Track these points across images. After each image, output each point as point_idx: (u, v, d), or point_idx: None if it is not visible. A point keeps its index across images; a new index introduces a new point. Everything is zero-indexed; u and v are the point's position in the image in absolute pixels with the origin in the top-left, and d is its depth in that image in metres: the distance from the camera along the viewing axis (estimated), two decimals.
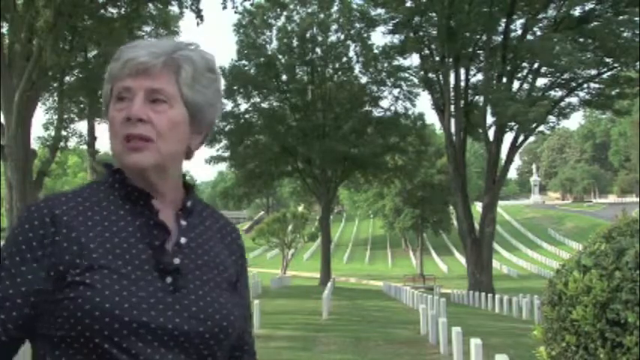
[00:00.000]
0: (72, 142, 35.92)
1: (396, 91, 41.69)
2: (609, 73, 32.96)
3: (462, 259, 53.84)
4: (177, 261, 1.07)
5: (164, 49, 1.08)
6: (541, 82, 34.84)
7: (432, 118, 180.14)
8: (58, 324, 0.99)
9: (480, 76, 34.97)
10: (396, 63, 40.19)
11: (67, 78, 32.94)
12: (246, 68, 42.13)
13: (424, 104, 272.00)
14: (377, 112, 42.96)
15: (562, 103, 35.25)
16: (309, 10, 41.98)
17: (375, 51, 40.67)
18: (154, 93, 1.06)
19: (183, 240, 1.10)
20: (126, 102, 1.06)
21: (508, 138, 34.59)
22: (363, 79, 42.74)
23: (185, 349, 1.03)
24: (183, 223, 1.12)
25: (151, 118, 1.05)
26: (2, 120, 20.90)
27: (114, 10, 25.01)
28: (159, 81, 1.07)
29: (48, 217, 1.03)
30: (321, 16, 41.83)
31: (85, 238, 1.02)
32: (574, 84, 33.93)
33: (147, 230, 1.06)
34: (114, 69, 1.09)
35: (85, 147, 37.37)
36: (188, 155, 1.15)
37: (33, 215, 1.03)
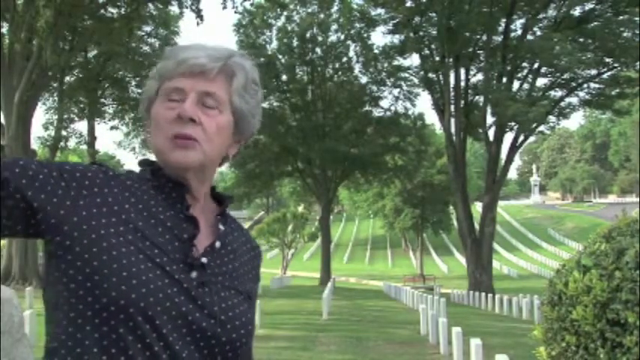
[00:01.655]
0: (72, 142, 35.96)
1: (396, 91, 41.76)
2: (609, 73, 32.98)
3: (462, 259, 53.85)
4: (204, 260, 1.06)
5: (222, 53, 1.09)
6: (541, 82, 34.93)
7: (432, 118, 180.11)
8: (79, 295, 0.96)
9: (480, 76, 35.01)
10: (396, 63, 40.20)
11: (67, 78, 32.95)
12: None
13: (424, 104, 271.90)
14: (377, 112, 43.00)
15: (562, 103, 35.27)
16: (309, 10, 41.98)
17: (375, 51, 40.67)
18: (206, 96, 1.07)
19: (218, 244, 1.10)
20: (176, 101, 1.07)
21: (508, 138, 34.72)
22: (363, 79, 42.79)
23: (199, 348, 1.01)
24: (222, 227, 1.13)
25: (201, 120, 1.06)
26: (2, 120, 20.90)
27: (114, 10, 25.02)
28: (214, 85, 1.08)
29: (107, 171, 1.05)
30: (321, 16, 41.83)
31: (118, 207, 1.01)
32: (574, 84, 33.95)
33: (177, 222, 1.06)
34: (165, 67, 1.09)
35: (85, 147, 37.40)
36: (222, 162, 1.17)
37: (95, 164, 1.07)
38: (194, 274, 1.03)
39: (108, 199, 1.01)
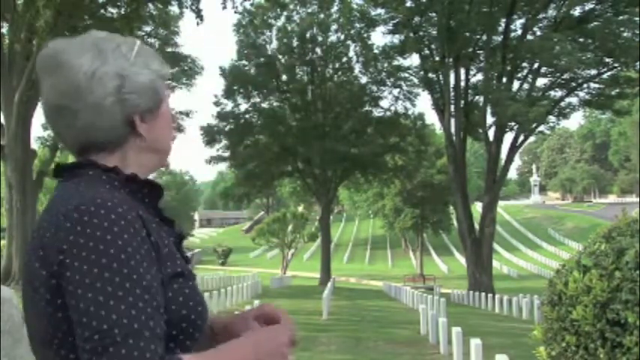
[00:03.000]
0: None
1: (396, 91, 41.72)
2: (609, 73, 32.97)
3: (462, 259, 53.81)
4: (189, 253, 1.12)
5: None
6: (541, 82, 34.92)
7: (432, 118, 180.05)
8: None
9: (480, 76, 35.01)
10: (396, 63, 40.17)
11: None
12: (246, 68, 42.14)
13: (424, 104, 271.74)
14: (377, 112, 42.97)
15: (562, 103, 35.26)
16: (309, 10, 41.96)
17: (375, 51, 40.65)
18: None
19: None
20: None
21: (508, 138, 34.63)
22: (363, 79, 42.75)
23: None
24: None
25: None
26: (2, 120, 20.91)
27: (114, 10, 24.99)
28: None
29: (139, 220, 0.99)
30: (321, 16, 41.82)
31: (158, 240, 1.03)
32: (574, 84, 33.94)
33: (164, 225, 1.11)
34: (168, 73, 1.17)
35: None
36: None
37: (127, 216, 0.97)
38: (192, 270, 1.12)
39: (153, 244, 1.03)
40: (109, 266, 0.91)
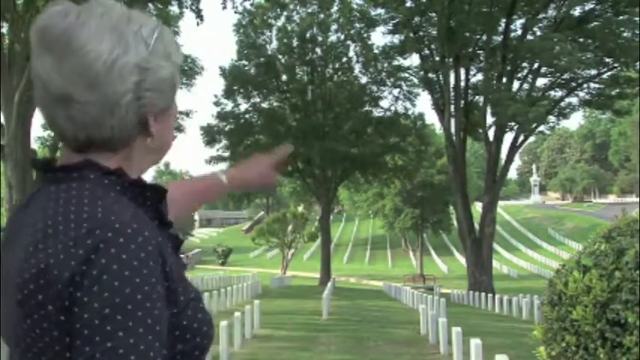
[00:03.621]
0: None
1: (396, 91, 41.75)
2: (609, 73, 32.98)
3: (462, 259, 53.83)
4: (189, 253, 1.05)
5: None
6: (541, 82, 34.93)
7: (432, 118, 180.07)
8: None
9: (480, 76, 35.01)
10: (396, 63, 40.21)
11: None
12: (246, 68, 42.14)
13: (424, 104, 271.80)
14: (377, 112, 42.99)
15: (562, 103, 35.28)
16: (309, 10, 41.98)
17: (375, 51, 40.68)
18: None
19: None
20: None
21: (508, 138, 34.63)
22: (363, 79, 42.78)
23: None
24: None
25: None
26: (2, 120, 20.91)
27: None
28: None
29: (157, 249, 0.87)
30: (321, 16, 41.83)
31: (169, 259, 0.90)
32: (574, 84, 33.95)
33: (165, 232, 0.98)
34: (180, 58, 1.00)
35: None
36: None
37: (147, 247, 0.85)
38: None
39: (169, 269, 0.93)
40: (122, 308, 0.79)
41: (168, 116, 0.99)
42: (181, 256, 1.06)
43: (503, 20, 32.56)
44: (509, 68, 33.06)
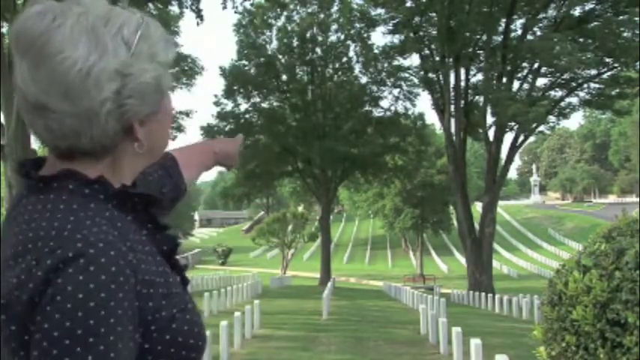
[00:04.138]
0: None
1: (396, 91, 41.75)
2: (609, 73, 32.98)
3: (462, 259, 53.83)
4: (188, 254, 1.01)
5: None
6: (541, 82, 34.94)
7: (432, 118, 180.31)
8: None
9: (480, 76, 35.01)
10: (396, 63, 40.21)
11: None
12: (246, 68, 42.14)
13: (424, 104, 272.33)
14: (377, 112, 42.99)
15: (562, 103, 35.28)
16: (309, 10, 41.98)
17: (375, 51, 40.68)
18: None
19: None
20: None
21: (508, 138, 34.72)
22: (363, 79, 42.79)
23: None
24: None
25: None
26: (2, 120, 20.91)
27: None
28: None
29: (125, 269, 0.81)
30: (321, 16, 41.83)
31: (150, 275, 0.87)
32: (574, 84, 33.95)
33: (155, 238, 0.96)
34: (174, 54, 0.95)
35: None
36: None
37: (119, 278, 0.80)
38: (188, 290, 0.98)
39: (145, 283, 0.88)
40: (83, 340, 0.75)
41: (157, 120, 0.93)
42: (182, 256, 1.02)
43: (503, 20, 32.57)
44: (509, 68, 33.06)
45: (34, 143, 18.58)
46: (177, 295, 0.91)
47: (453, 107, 34.28)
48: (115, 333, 0.77)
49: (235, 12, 28.41)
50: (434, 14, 33.03)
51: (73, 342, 0.75)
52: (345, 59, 42.64)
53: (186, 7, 24.57)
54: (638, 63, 30.36)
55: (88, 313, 0.75)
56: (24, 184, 0.91)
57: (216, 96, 42.04)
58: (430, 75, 35.98)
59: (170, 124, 0.99)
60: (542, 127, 36.05)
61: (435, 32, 33.73)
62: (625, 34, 30.41)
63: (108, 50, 0.83)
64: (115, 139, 0.88)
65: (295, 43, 41.98)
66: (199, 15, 23.60)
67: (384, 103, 66.58)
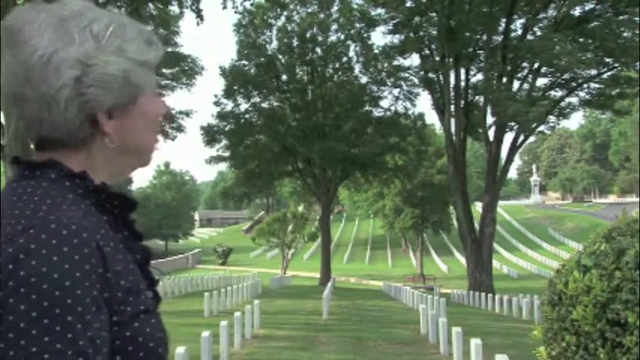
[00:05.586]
0: None
1: (396, 91, 41.76)
2: (609, 73, 32.97)
3: (462, 259, 53.84)
4: (156, 275, 1.00)
5: None
6: (541, 82, 34.90)
7: (432, 118, 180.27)
8: None
9: (480, 76, 35.01)
10: (396, 63, 40.21)
11: None
12: (246, 68, 42.14)
13: (424, 104, 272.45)
14: (377, 112, 43.00)
15: (562, 103, 35.26)
16: (309, 10, 41.98)
17: (375, 51, 40.68)
18: None
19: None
20: (158, 96, 1.00)
21: (508, 138, 34.75)
22: (363, 79, 42.78)
23: None
24: None
25: None
26: (2, 120, 20.91)
27: (114, 10, 24.97)
28: None
29: (98, 254, 0.82)
30: (321, 16, 41.83)
31: (120, 267, 0.87)
32: (574, 84, 33.95)
33: (129, 243, 0.95)
34: (157, 57, 0.97)
35: None
36: None
37: (83, 250, 0.81)
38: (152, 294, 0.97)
39: (116, 274, 0.89)
40: (50, 312, 0.76)
41: (130, 116, 0.94)
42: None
43: (503, 20, 32.57)
44: (509, 68, 33.06)
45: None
46: (146, 298, 0.91)
47: (453, 107, 34.29)
48: (89, 311, 0.78)
49: (235, 12, 28.38)
50: (434, 14, 33.03)
51: (51, 321, 0.75)
52: (345, 59, 42.64)
53: (186, 7, 24.58)
54: (638, 63, 30.35)
55: (65, 292, 0.77)
56: (13, 171, 0.93)
57: (216, 96, 42.08)
58: (430, 75, 35.98)
59: (151, 125, 0.98)
60: (542, 127, 36.07)
61: (435, 32, 33.73)
62: (625, 34, 30.40)
63: (74, 41, 0.87)
64: (81, 130, 0.90)
65: (295, 43, 41.97)
66: (199, 15, 23.61)
67: (384, 103, 66.62)
